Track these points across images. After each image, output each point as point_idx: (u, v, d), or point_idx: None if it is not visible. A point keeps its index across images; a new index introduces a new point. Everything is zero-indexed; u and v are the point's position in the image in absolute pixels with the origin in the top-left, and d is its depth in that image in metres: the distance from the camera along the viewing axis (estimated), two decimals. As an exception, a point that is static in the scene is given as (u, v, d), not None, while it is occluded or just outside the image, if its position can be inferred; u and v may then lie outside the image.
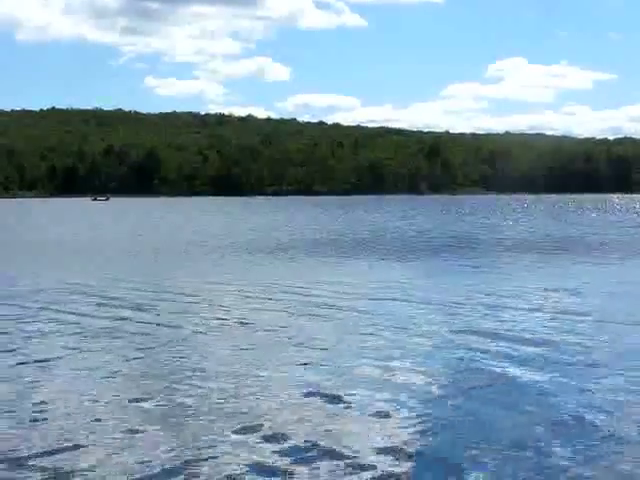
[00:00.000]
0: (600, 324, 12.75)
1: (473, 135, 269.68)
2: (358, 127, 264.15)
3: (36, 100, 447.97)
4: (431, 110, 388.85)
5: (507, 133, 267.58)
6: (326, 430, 7.26)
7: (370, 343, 11.19)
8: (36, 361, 10.10)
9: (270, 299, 15.86)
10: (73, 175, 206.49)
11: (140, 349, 10.90)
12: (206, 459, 6.54)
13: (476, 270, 22.06)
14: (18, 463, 6.49)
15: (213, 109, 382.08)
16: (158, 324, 12.97)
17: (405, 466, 6.43)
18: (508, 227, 47.71)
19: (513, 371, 9.48)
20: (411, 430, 7.34)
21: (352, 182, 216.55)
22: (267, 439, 7.02)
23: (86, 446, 6.90)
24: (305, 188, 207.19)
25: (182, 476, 6.20)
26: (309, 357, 10.30)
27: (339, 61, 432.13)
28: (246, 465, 6.42)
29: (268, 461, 6.52)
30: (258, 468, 6.37)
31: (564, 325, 12.64)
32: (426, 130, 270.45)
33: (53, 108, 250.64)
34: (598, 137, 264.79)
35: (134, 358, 10.31)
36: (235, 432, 7.20)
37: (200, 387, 8.77)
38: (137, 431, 7.27)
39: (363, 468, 6.36)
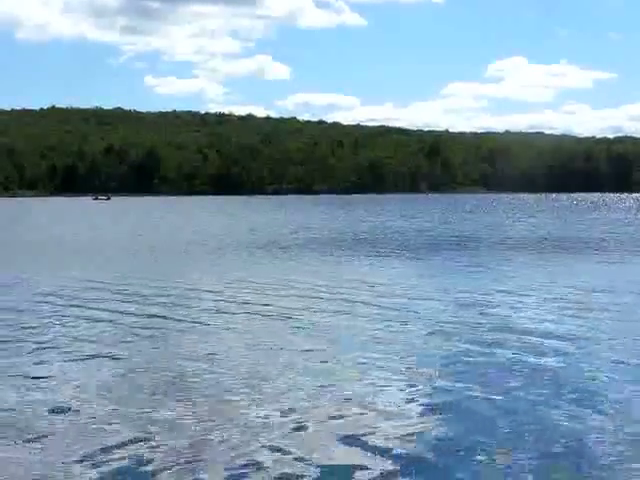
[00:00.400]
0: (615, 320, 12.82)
1: (473, 134, 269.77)
2: (358, 126, 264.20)
3: (36, 99, 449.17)
4: (431, 109, 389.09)
5: (507, 132, 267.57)
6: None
7: (380, 336, 11.28)
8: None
9: (289, 295, 15.99)
10: (73, 174, 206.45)
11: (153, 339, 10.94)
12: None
13: (485, 268, 22.07)
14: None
15: (213, 108, 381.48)
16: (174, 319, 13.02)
17: (413, 455, 6.56)
18: (512, 226, 47.76)
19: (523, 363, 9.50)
20: (419, 419, 7.53)
21: (352, 181, 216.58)
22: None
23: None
24: (305, 187, 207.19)
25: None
26: (318, 348, 10.38)
27: (339, 60, 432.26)
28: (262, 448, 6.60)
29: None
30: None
31: (584, 321, 12.67)
32: (426, 129, 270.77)
33: (53, 107, 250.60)
34: (598, 136, 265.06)
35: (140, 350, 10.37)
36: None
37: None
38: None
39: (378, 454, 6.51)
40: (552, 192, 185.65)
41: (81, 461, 6.54)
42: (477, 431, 7.21)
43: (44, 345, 11.11)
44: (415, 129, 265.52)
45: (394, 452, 6.67)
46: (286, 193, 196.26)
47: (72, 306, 14.86)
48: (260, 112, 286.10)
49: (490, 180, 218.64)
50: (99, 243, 35.35)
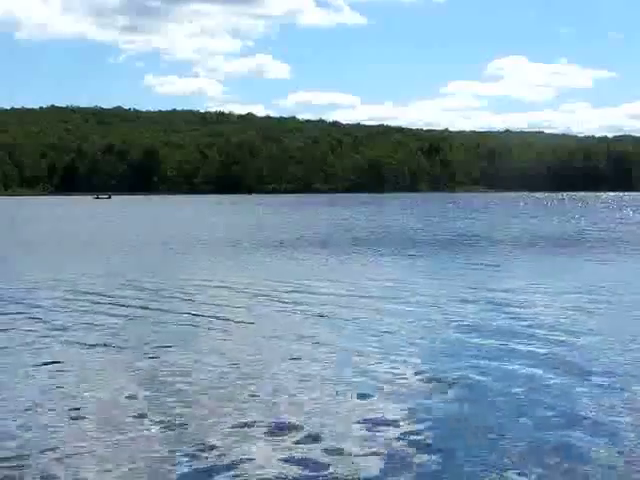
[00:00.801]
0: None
1: (473, 133, 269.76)
2: (358, 125, 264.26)
3: (36, 98, 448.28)
4: (431, 108, 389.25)
5: (507, 131, 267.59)
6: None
7: (387, 341, 11.25)
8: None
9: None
10: (73, 173, 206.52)
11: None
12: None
13: (494, 267, 22.07)
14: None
15: (213, 107, 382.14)
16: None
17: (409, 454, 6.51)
18: (520, 224, 47.79)
19: (527, 369, 9.48)
20: (419, 419, 7.51)
21: (352, 180, 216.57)
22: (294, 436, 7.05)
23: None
24: (305, 186, 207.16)
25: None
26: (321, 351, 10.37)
27: (339, 59, 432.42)
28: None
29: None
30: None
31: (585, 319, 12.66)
32: (426, 128, 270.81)
33: (53, 106, 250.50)
34: (598, 135, 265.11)
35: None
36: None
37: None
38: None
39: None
40: (552, 191, 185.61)
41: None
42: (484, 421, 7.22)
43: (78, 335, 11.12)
44: (415, 128, 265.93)
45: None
46: (285, 192, 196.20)
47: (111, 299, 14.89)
48: (260, 111, 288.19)
49: (490, 179, 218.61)
50: (120, 241, 35.49)
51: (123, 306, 14.67)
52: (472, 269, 21.52)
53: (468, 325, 12.44)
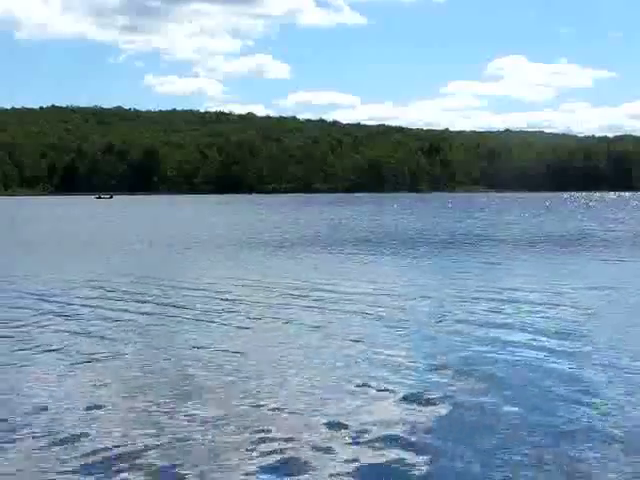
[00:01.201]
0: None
1: (473, 133, 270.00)
2: (358, 125, 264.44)
3: (36, 98, 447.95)
4: (431, 108, 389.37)
5: (507, 131, 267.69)
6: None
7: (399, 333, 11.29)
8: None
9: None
10: (73, 173, 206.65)
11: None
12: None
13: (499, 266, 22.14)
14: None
15: (213, 107, 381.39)
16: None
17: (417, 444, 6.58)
18: (523, 224, 47.86)
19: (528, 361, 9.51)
20: (426, 411, 7.63)
21: (352, 180, 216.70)
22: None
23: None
24: (304, 186, 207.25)
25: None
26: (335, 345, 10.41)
27: (339, 59, 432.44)
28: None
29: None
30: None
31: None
32: (426, 128, 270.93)
33: (53, 106, 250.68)
34: (598, 135, 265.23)
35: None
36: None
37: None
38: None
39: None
40: (552, 191, 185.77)
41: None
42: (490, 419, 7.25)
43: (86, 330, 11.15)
44: (415, 128, 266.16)
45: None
46: (285, 192, 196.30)
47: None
48: (260, 111, 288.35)
49: (490, 179, 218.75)
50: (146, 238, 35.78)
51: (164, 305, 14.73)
52: (485, 268, 21.55)
53: (500, 324, 12.47)
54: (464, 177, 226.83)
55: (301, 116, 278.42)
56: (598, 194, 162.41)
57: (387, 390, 8.50)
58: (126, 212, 79.42)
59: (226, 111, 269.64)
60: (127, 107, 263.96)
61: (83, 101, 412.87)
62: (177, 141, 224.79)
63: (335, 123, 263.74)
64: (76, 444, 6.85)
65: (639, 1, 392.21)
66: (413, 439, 6.94)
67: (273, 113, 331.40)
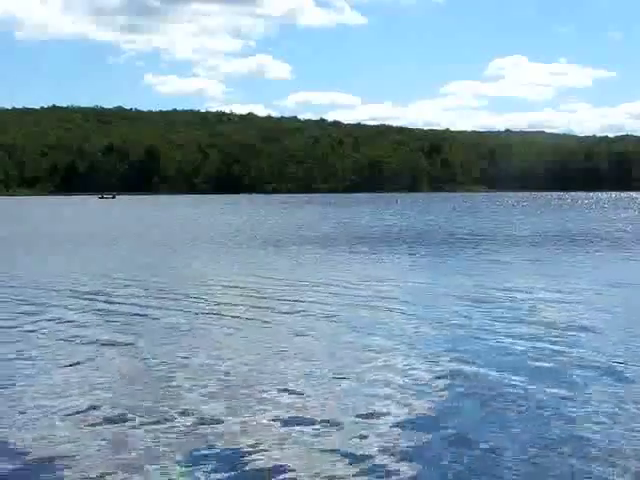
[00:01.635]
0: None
1: (473, 133, 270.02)
2: (358, 125, 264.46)
3: (36, 98, 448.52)
4: (431, 108, 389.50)
5: (507, 131, 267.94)
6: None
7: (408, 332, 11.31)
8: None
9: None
10: (73, 173, 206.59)
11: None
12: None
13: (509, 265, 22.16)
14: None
15: (213, 107, 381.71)
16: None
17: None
18: (530, 223, 47.94)
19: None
20: (432, 406, 7.73)
21: (352, 180, 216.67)
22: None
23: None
24: (305, 186, 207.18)
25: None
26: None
27: (339, 59, 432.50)
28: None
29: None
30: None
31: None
32: (426, 128, 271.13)
33: (53, 106, 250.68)
34: (598, 135, 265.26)
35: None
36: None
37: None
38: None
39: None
40: (552, 191, 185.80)
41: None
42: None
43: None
44: (415, 128, 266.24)
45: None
46: (286, 192, 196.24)
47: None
48: (260, 111, 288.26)
49: (490, 179, 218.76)
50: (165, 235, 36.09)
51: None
52: (498, 267, 21.63)
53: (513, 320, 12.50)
54: (464, 177, 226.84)
55: (301, 116, 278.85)
56: (600, 194, 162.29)
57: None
58: (144, 212, 78.53)
59: (227, 111, 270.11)
60: (128, 107, 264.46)
61: (84, 101, 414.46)
62: (178, 141, 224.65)
63: (335, 123, 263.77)
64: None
65: (639, 1, 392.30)
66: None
67: (274, 113, 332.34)
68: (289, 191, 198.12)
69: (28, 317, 13.31)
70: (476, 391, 8.42)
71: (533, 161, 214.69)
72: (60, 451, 6.68)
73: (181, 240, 34.46)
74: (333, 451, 6.63)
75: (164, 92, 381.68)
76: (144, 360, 10.01)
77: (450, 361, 9.78)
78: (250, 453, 6.60)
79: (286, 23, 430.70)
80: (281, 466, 6.32)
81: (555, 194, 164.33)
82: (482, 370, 9.31)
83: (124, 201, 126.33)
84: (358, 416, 7.55)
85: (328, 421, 7.41)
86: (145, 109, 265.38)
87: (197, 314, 13.69)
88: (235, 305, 14.65)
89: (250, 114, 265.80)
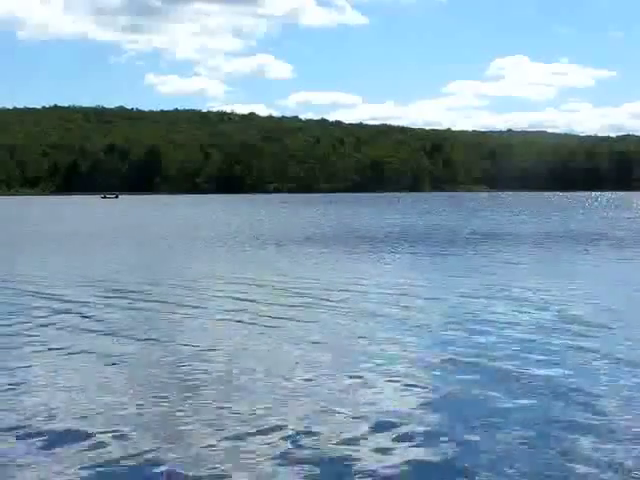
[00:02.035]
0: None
1: (475, 133, 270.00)
2: (360, 125, 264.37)
3: (38, 98, 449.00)
4: (433, 108, 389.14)
5: (509, 131, 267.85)
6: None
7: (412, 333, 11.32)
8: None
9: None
10: (75, 173, 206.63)
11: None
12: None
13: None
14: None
15: (215, 107, 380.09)
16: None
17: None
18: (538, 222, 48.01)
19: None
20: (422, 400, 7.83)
21: (354, 180, 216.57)
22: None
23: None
24: (307, 186, 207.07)
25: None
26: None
27: (340, 59, 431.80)
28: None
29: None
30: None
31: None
32: (428, 128, 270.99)
33: (55, 106, 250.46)
34: (599, 134, 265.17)
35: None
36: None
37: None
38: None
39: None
40: (553, 190, 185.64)
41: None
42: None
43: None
44: (417, 128, 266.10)
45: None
46: (287, 192, 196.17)
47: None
48: (262, 111, 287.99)
49: (492, 179, 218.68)
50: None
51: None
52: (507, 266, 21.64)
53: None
54: (466, 177, 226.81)
55: (303, 116, 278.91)
56: (602, 193, 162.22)
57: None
58: (152, 212, 78.24)
59: (228, 111, 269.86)
60: (129, 107, 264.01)
61: (85, 101, 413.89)
62: (179, 141, 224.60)
63: (337, 123, 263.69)
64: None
65: (639, 0, 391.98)
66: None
67: (275, 113, 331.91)
68: (290, 191, 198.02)
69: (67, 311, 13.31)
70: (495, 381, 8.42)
71: (534, 161, 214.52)
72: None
73: (207, 238, 34.90)
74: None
75: (165, 92, 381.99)
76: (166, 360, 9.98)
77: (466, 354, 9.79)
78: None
79: (287, 23, 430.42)
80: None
81: (556, 194, 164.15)
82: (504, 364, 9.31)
83: (128, 201, 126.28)
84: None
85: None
86: (146, 109, 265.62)
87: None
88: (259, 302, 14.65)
89: (251, 114, 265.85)
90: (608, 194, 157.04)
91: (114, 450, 6.59)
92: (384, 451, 6.54)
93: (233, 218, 59.43)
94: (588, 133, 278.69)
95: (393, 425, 7.16)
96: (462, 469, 6.17)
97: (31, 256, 26.39)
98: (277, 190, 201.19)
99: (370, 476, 6.03)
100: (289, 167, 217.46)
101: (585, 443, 6.69)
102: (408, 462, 6.31)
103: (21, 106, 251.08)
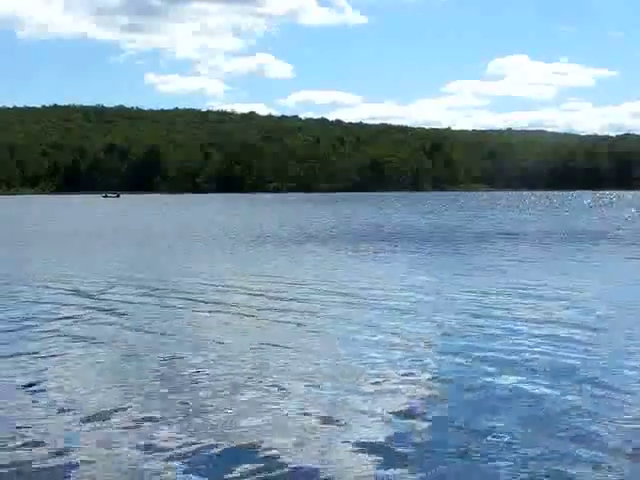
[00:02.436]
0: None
1: (475, 132, 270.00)
2: (360, 124, 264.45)
3: (38, 97, 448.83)
4: (433, 107, 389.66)
5: (509, 130, 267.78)
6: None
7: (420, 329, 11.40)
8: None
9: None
10: (75, 172, 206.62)
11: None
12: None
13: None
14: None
15: (214, 106, 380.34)
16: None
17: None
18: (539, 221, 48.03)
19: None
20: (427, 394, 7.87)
21: (354, 179, 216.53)
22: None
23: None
24: (307, 185, 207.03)
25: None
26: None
27: (340, 58, 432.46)
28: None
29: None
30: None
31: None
32: (428, 127, 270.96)
33: (55, 105, 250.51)
34: (599, 134, 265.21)
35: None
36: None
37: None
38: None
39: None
40: (553, 190, 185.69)
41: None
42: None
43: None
44: (417, 127, 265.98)
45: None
46: (287, 191, 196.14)
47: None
48: (262, 110, 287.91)
49: (492, 178, 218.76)
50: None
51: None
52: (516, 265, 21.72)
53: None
54: (466, 176, 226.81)
55: (303, 115, 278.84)
56: (602, 193, 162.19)
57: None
58: (157, 211, 78.01)
59: (228, 110, 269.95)
60: (129, 106, 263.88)
61: (85, 100, 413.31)
62: (179, 140, 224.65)
63: (337, 122, 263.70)
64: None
65: (639, 1, 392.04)
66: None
67: (275, 112, 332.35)
68: (290, 190, 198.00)
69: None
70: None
71: (534, 160, 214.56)
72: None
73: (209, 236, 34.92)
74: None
75: (165, 91, 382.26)
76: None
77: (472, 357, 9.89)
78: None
79: (287, 22, 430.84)
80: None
81: (556, 193, 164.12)
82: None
83: (129, 200, 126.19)
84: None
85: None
86: (146, 108, 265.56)
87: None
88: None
89: (251, 113, 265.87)
90: (608, 192, 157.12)
91: (132, 441, 6.68)
92: (397, 437, 6.66)
93: (233, 219, 59.54)
94: (588, 132, 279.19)
95: (406, 415, 7.28)
96: (468, 454, 6.25)
97: (40, 255, 26.18)
98: (277, 190, 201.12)
99: (381, 459, 6.16)
100: (289, 167, 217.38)
101: (593, 429, 6.78)
102: (417, 445, 6.43)
103: (21, 105, 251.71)
